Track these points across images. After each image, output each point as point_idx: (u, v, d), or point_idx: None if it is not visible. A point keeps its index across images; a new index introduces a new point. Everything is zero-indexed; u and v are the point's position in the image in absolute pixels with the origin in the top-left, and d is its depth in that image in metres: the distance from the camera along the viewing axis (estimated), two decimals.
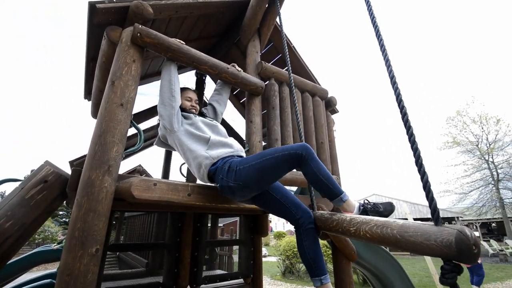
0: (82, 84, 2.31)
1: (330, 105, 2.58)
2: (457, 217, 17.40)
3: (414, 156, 0.83)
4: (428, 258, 6.01)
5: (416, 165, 0.82)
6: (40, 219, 1.38)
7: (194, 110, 1.74)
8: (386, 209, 1.26)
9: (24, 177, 1.37)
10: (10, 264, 3.26)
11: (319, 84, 2.67)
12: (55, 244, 4.09)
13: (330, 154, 2.35)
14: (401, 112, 0.91)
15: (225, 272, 4.03)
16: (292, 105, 2.21)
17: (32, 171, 1.37)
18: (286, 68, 2.63)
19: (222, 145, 1.48)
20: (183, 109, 1.69)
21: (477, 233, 19.29)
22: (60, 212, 18.17)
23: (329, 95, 2.57)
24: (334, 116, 2.71)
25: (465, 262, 0.67)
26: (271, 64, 2.23)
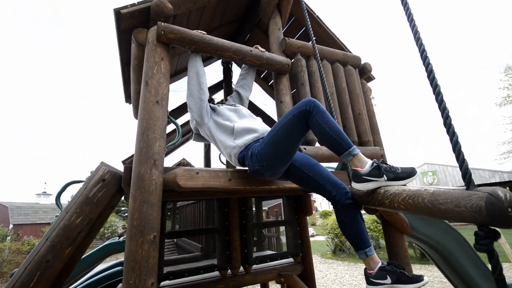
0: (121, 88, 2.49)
1: (365, 73, 2.39)
2: None
3: (442, 116, 0.77)
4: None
5: (445, 125, 0.76)
6: (105, 214, 1.57)
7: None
8: (405, 171, 1.10)
9: (86, 178, 1.55)
10: (85, 258, 3.80)
11: (350, 52, 2.48)
12: (120, 238, 4.64)
13: (370, 125, 2.20)
14: (426, 69, 0.85)
15: (275, 252, 4.17)
16: (321, 78, 2.10)
17: (91, 172, 1.54)
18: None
19: (247, 131, 1.48)
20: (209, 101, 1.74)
21: None
22: (122, 208, 20.42)
23: (362, 62, 2.38)
24: (370, 84, 2.51)
25: (500, 226, 0.63)
26: (296, 39, 2.12)
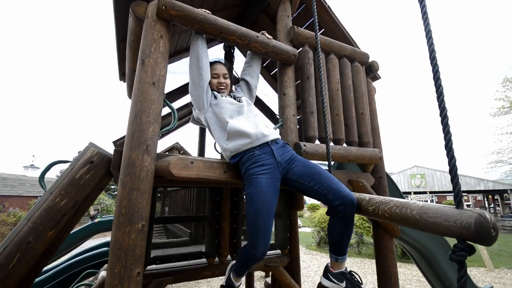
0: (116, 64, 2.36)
1: (372, 71, 2.31)
2: (510, 189, 15.69)
3: (445, 140, 0.81)
4: None
5: (446, 148, 0.80)
6: (92, 196, 1.50)
7: (222, 87, 1.65)
8: None
9: (73, 159, 1.47)
10: (73, 233, 3.75)
11: (358, 48, 2.39)
12: (92, 219, 4.58)
13: (372, 126, 2.15)
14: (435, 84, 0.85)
15: None
16: (327, 73, 2.02)
17: (79, 152, 1.46)
18: (321, 31, 2.38)
19: (239, 134, 1.38)
20: (211, 88, 1.62)
21: None
22: (112, 187, 20.31)
23: (370, 60, 2.30)
24: (375, 83, 2.44)
25: (482, 243, 0.72)
26: (304, 29, 2.02)
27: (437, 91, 0.83)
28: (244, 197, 1.42)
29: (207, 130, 1.61)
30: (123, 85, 2.64)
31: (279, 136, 1.49)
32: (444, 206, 0.83)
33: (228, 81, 1.68)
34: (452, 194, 0.80)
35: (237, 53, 3.54)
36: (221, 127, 1.45)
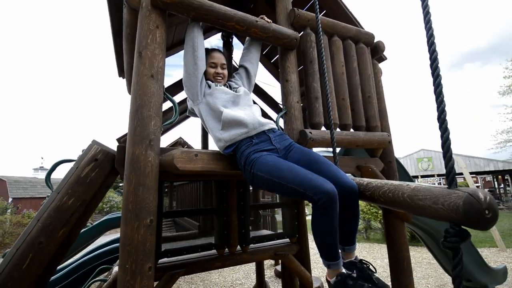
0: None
1: (377, 52, 2.22)
2: None
3: (438, 111, 0.74)
4: None
5: (438, 120, 0.74)
6: (99, 194, 1.50)
7: (219, 78, 1.58)
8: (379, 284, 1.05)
9: (77, 157, 1.45)
10: (84, 232, 3.82)
11: (363, 28, 2.30)
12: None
13: (379, 109, 2.09)
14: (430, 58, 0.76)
15: (271, 232, 4.23)
16: (331, 57, 1.95)
17: (83, 150, 1.45)
18: (323, 13, 2.29)
19: (235, 123, 1.34)
20: (207, 77, 1.57)
21: None
22: (120, 184, 20.63)
23: (375, 40, 2.21)
24: (381, 65, 2.36)
25: (475, 227, 0.63)
26: (306, 10, 1.93)
27: (430, 58, 0.76)
28: (253, 186, 1.34)
29: None
30: (123, 82, 2.60)
31: (275, 126, 1.45)
32: (434, 187, 0.76)
33: (225, 72, 1.62)
34: (462, 176, 0.73)
35: (235, 42, 3.46)
36: (215, 117, 1.41)
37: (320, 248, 1.09)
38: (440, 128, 0.73)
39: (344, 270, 1.08)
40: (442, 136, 0.73)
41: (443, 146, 0.72)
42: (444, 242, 0.69)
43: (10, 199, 14.56)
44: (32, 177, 19.40)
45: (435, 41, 0.77)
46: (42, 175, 20.23)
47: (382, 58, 2.37)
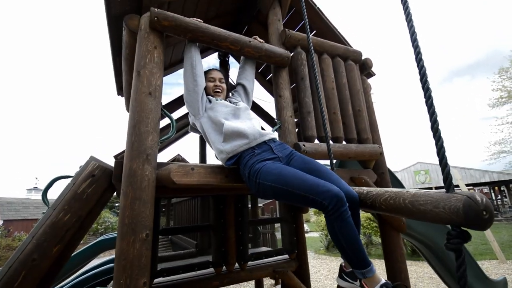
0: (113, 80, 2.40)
1: (365, 68, 2.34)
2: None
3: (430, 121, 0.78)
4: None
5: (432, 129, 0.77)
6: (95, 211, 1.50)
7: (218, 91, 1.66)
8: None
9: (75, 174, 1.47)
10: (76, 254, 3.71)
11: (351, 46, 2.43)
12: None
13: (370, 122, 2.16)
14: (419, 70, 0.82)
15: (270, 249, 4.15)
16: (321, 73, 2.05)
17: (80, 167, 1.47)
18: (313, 33, 2.42)
19: (236, 135, 1.37)
20: (207, 93, 1.64)
21: None
22: (116, 204, 20.23)
23: (363, 57, 2.33)
24: (370, 80, 2.47)
25: (474, 228, 0.67)
26: (296, 31, 2.05)
27: (420, 72, 0.82)
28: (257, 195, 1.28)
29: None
30: (122, 100, 2.67)
31: (276, 136, 1.49)
32: (434, 192, 0.79)
33: (224, 85, 1.70)
34: (459, 188, 0.77)
35: (232, 61, 3.60)
36: (216, 130, 1.45)
37: (347, 258, 1.07)
38: (434, 136, 0.77)
39: (384, 280, 1.03)
40: (436, 144, 0.77)
41: (438, 153, 0.76)
42: (447, 244, 0.72)
43: (0, 221, 14.15)
44: (25, 197, 18.97)
45: (422, 58, 0.83)
46: (35, 196, 19.81)
47: (370, 74, 2.48)
